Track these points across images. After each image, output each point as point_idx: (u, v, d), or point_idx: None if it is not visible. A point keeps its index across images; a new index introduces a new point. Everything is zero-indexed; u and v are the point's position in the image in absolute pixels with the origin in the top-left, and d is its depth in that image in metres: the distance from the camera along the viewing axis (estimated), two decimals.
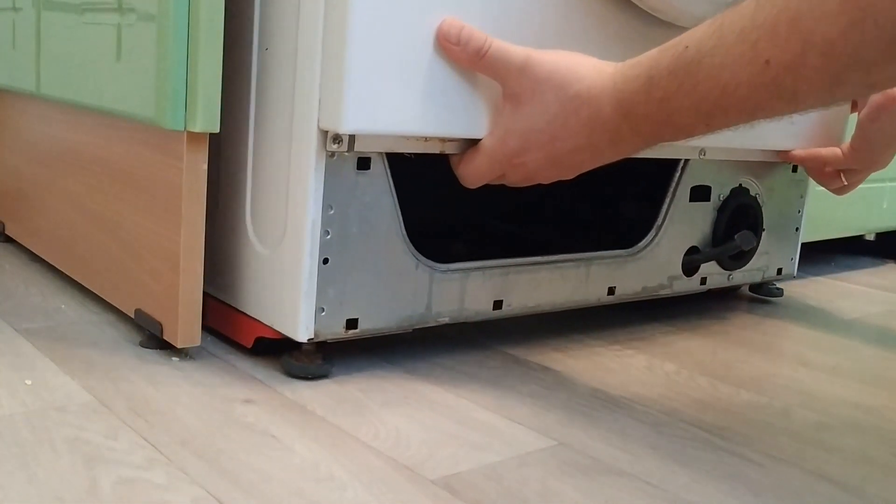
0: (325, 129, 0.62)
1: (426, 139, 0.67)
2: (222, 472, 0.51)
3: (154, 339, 0.71)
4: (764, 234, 1.00)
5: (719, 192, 0.94)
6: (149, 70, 0.66)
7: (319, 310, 0.65)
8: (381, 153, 0.66)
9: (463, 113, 0.66)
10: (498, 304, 0.76)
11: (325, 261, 0.65)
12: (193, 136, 0.65)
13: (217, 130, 0.66)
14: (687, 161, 0.89)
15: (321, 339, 0.66)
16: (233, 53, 0.70)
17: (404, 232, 0.69)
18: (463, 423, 0.62)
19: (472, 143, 0.68)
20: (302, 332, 0.65)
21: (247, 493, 0.49)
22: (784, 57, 0.51)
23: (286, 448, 0.55)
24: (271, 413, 0.61)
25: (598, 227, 1.00)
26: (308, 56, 0.63)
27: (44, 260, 0.93)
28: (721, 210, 0.94)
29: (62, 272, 0.88)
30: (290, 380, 0.67)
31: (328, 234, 0.64)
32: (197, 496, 0.48)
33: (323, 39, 0.61)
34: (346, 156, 0.64)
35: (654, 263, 0.89)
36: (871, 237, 1.56)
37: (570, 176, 0.68)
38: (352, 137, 0.63)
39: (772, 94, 0.53)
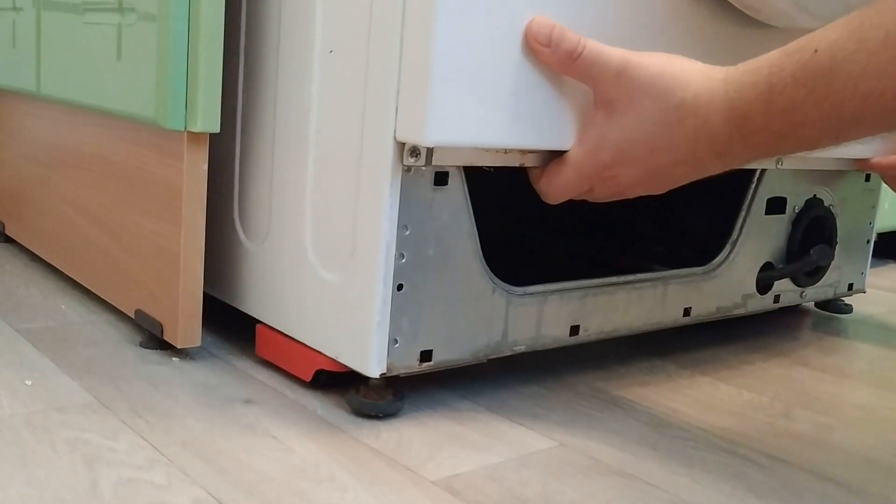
0: (403, 141, 0.56)
1: (506, 151, 0.61)
2: (222, 473, 0.51)
3: (154, 339, 0.71)
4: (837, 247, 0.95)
5: (794, 204, 0.88)
6: (149, 70, 0.66)
7: (392, 341, 0.59)
8: (458, 167, 0.60)
9: (549, 122, 0.60)
10: (575, 330, 0.71)
11: (400, 287, 0.59)
12: (193, 136, 0.65)
13: (217, 130, 0.65)
14: (763, 171, 0.84)
15: (394, 373, 0.60)
16: (290, 56, 0.65)
17: (481, 253, 0.63)
18: (464, 423, 0.62)
19: (555, 155, 0.63)
20: (374, 366, 0.59)
21: (247, 494, 0.49)
22: None
23: (286, 449, 0.55)
24: (271, 413, 0.61)
25: (657, 241, 0.94)
26: (382, 60, 0.57)
27: (44, 260, 0.93)
28: (796, 223, 0.89)
29: (62, 272, 0.88)
30: (290, 380, 0.67)
31: (403, 257, 0.59)
32: (197, 497, 0.48)
33: (402, 42, 0.55)
34: (423, 170, 0.58)
35: (729, 281, 0.84)
36: None
37: (662, 191, 0.62)
38: (430, 150, 0.58)
39: None
